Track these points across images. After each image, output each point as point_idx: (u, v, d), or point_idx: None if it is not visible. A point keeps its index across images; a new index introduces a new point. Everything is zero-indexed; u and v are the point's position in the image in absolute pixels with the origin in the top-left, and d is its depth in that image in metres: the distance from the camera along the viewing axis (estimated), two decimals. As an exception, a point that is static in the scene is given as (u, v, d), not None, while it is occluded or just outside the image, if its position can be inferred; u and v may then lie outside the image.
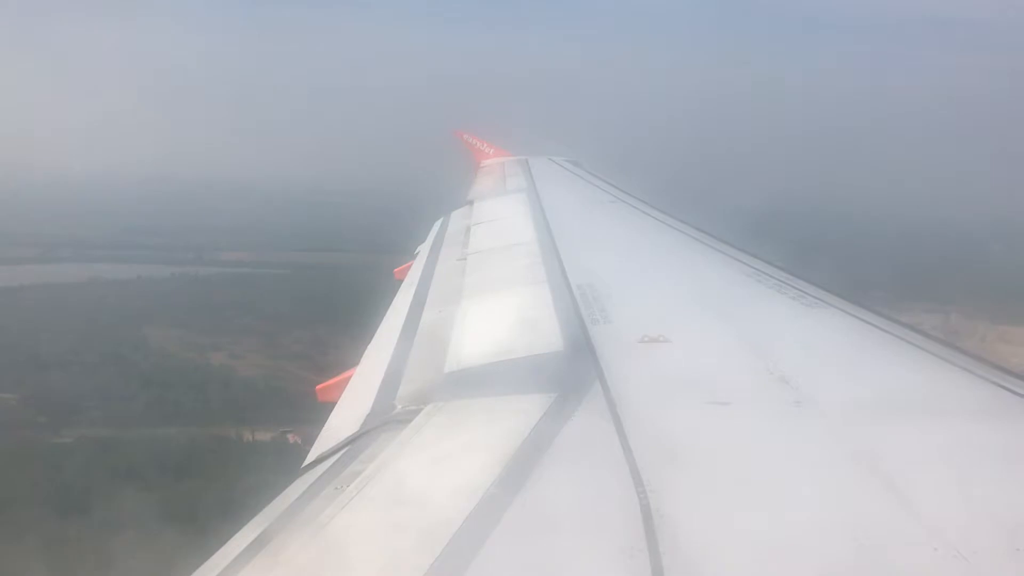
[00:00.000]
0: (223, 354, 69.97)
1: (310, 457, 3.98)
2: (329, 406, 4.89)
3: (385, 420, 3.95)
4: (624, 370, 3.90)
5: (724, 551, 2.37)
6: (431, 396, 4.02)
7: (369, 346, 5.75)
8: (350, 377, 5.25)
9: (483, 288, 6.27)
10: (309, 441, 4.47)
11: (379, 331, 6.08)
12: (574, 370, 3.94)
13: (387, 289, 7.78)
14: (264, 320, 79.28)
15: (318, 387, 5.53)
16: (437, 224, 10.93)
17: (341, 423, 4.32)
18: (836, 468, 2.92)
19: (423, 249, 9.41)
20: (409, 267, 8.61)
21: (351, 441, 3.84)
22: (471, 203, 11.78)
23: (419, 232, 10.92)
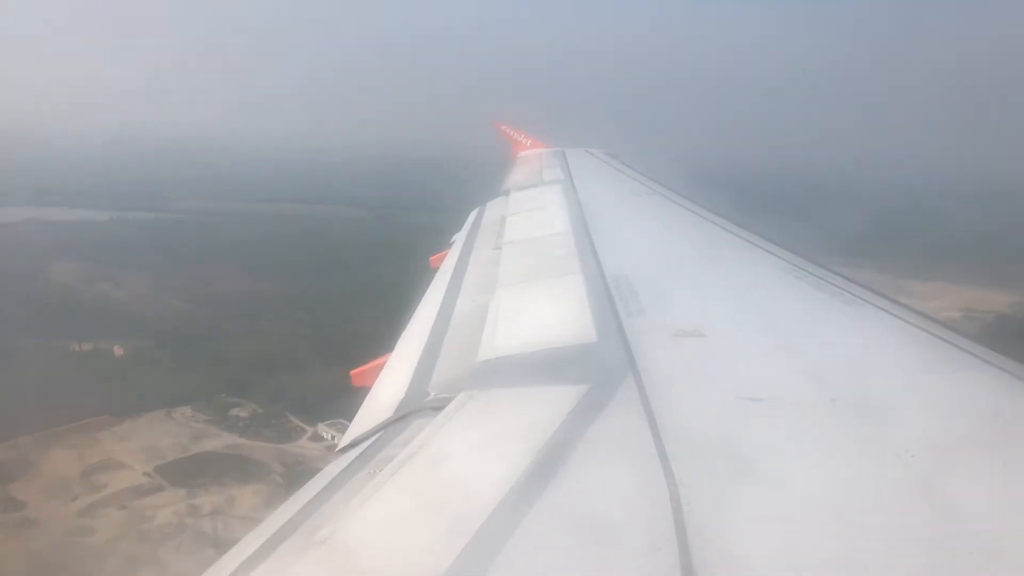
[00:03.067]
0: (109, 284, 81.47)
1: (344, 441, 4.03)
2: (363, 391, 4.95)
3: (418, 407, 3.98)
4: (657, 363, 3.89)
5: (754, 548, 2.36)
6: (464, 384, 4.04)
7: (404, 333, 5.80)
8: (384, 363, 5.30)
9: (518, 278, 6.27)
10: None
11: (414, 318, 6.13)
12: (607, 362, 3.93)
13: (422, 277, 7.83)
14: (168, 260, 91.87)
15: (353, 372, 5.59)
16: (473, 214, 10.96)
17: (375, 408, 4.36)
18: (871, 467, 2.90)
19: (459, 238, 9.44)
20: (444, 255, 8.65)
21: (385, 426, 3.88)
22: (507, 193, 11.79)
23: (455, 221, 10.96)
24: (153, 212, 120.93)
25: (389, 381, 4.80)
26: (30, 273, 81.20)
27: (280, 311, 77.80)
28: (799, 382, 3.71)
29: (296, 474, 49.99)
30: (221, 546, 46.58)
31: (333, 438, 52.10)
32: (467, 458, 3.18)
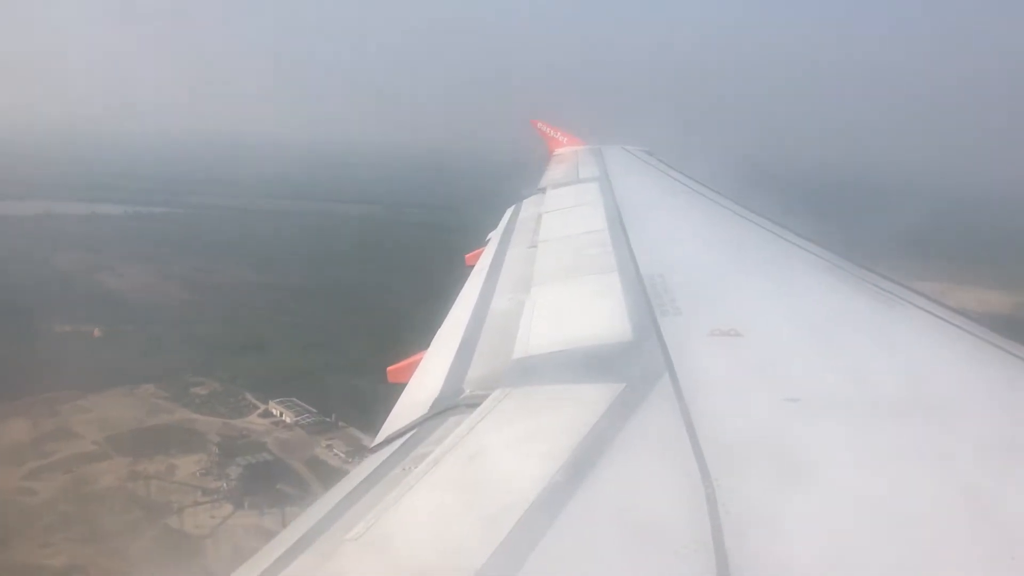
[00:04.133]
0: (108, 272, 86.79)
1: (379, 438, 4.06)
2: (399, 387, 4.97)
3: (453, 404, 3.99)
4: (693, 362, 3.85)
5: (791, 551, 2.33)
6: (499, 382, 4.03)
7: (440, 330, 5.82)
8: (420, 360, 5.32)
9: (553, 276, 6.26)
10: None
11: (449, 316, 6.14)
12: (643, 361, 3.91)
13: (458, 275, 7.85)
14: (162, 250, 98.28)
15: (389, 368, 5.62)
16: (509, 211, 10.97)
17: (410, 405, 4.38)
18: (912, 470, 2.84)
19: (494, 236, 9.45)
20: (480, 253, 8.66)
21: (420, 423, 3.89)
22: (543, 191, 11.78)
23: (491, 220, 10.98)
24: (167, 207, 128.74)
25: (424, 378, 4.82)
26: (36, 262, 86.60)
27: (266, 299, 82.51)
28: (838, 383, 3.65)
29: (236, 446, 54.92)
30: (150, 507, 47.97)
31: (281, 415, 58.20)
32: (502, 456, 3.18)
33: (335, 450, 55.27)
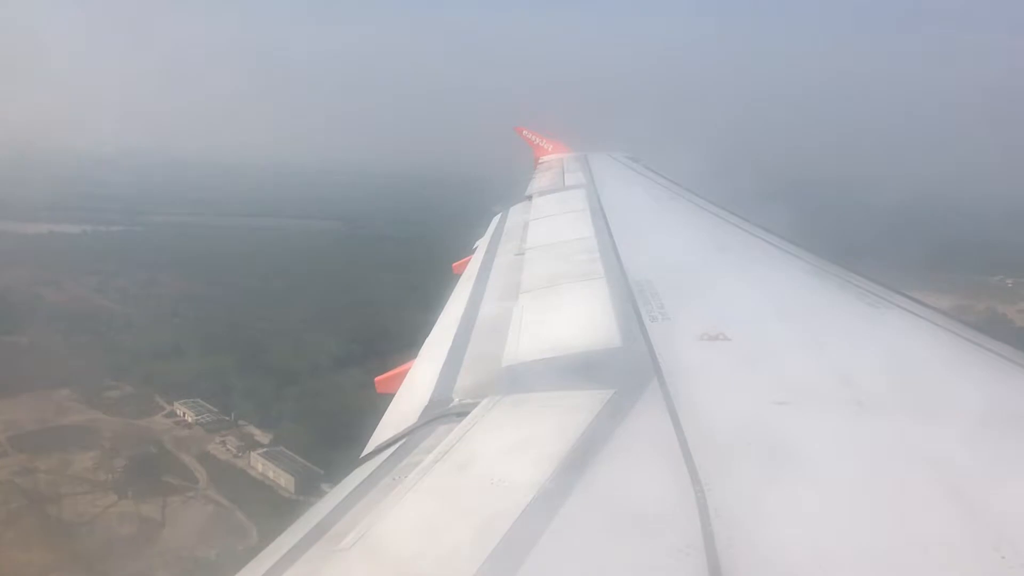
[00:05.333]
0: (51, 288, 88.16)
1: (368, 448, 4.04)
2: (387, 397, 4.96)
3: (443, 412, 3.99)
4: (682, 367, 3.86)
5: (782, 551, 2.34)
6: (489, 390, 4.03)
7: (427, 339, 5.81)
8: (408, 369, 5.31)
9: (541, 283, 6.27)
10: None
11: (437, 324, 6.13)
12: (632, 366, 3.92)
13: (445, 283, 7.84)
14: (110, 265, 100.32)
15: (377, 379, 5.61)
16: (496, 219, 10.96)
17: (399, 414, 4.37)
18: (898, 469, 2.86)
19: (481, 244, 9.45)
20: (467, 261, 8.66)
21: (409, 432, 3.88)
22: (530, 198, 11.79)
23: (478, 227, 10.98)
24: (126, 226, 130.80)
25: (413, 387, 4.81)
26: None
27: (199, 309, 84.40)
28: (825, 385, 3.67)
29: (131, 443, 57.35)
30: (34, 498, 49.33)
31: (184, 415, 61.45)
32: (492, 464, 3.17)
33: (228, 446, 57.87)
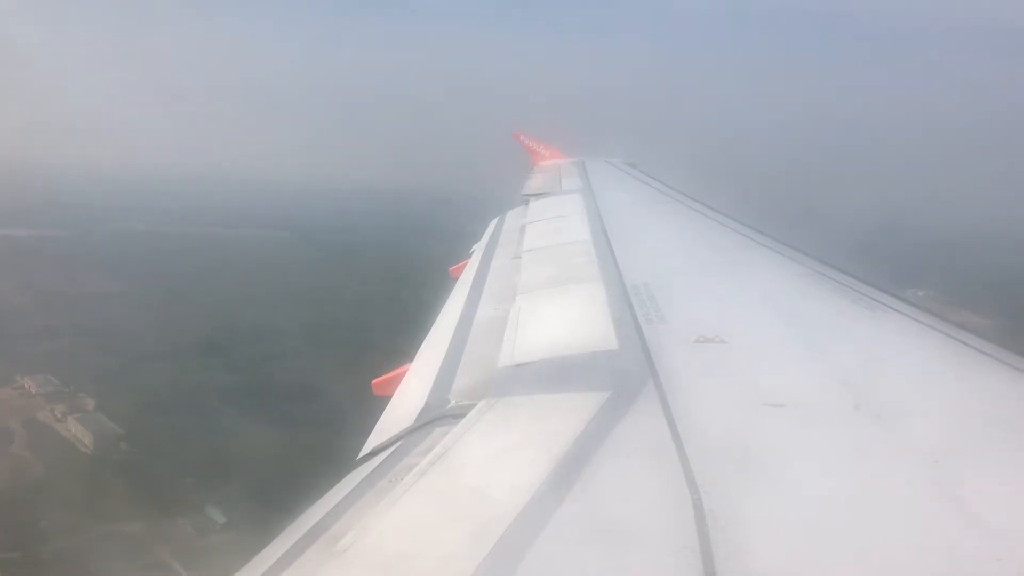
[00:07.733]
0: None
1: (365, 450, 4.03)
2: (384, 400, 4.95)
3: (439, 415, 3.98)
4: (678, 370, 3.87)
5: (776, 554, 2.34)
6: (485, 392, 4.03)
7: (424, 342, 5.80)
8: (405, 372, 5.30)
9: (537, 286, 6.27)
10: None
11: (434, 327, 6.13)
12: (628, 369, 3.92)
13: (442, 286, 7.84)
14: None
15: (374, 381, 5.60)
16: (493, 223, 10.97)
17: (396, 417, 4.37)
18: (894, 472, 2.86)
19: (478, 248, 9.45)
20: (464, 265, 8.65)
21: (406, 435, 3.88)
22: (527, 203, 11.80)
23: (475, 232, 10.98)
24: (77, 231, 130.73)
25: (410, 389, 4.81)
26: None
27: (111, 308, 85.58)
28: (821, 388, 3.68)
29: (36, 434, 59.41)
30: None
31: (28, 387, 65.92)
32: (488, 466, 3.17)
33: (56, 413, 61.94)
